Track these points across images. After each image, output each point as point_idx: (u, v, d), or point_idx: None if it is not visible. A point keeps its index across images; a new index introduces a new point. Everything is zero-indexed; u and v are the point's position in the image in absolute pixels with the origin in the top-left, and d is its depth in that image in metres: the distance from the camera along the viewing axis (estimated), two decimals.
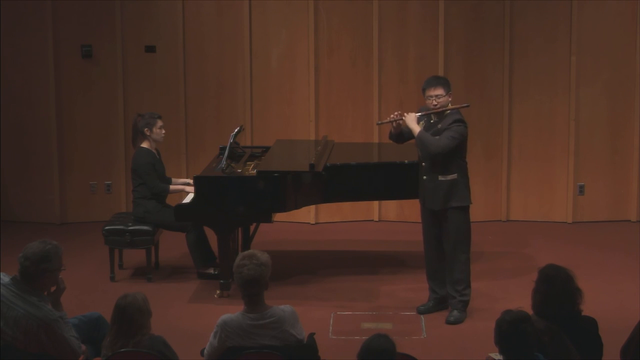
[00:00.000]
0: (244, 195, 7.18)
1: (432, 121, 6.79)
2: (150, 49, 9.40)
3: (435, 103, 6.74)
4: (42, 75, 9.36)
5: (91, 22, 9.32)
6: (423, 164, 6.81)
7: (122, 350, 4.70)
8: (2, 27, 9.25)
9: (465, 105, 6.92)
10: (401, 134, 6.95)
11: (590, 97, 9.33)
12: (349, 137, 9.37)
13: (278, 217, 7.96)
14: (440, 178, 6.72)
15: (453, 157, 6.72)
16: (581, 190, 9.44)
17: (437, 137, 6.66)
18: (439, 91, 6.74)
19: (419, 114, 6.81)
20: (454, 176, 6.73)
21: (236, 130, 7.90)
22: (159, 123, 7.78)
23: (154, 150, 7.82)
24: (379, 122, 7.23)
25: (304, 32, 9.34)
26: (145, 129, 7.74)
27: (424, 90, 6.80)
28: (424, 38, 9.30)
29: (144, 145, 7.78)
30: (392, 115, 6.91)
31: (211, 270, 7.68)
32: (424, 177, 6.80)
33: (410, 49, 9.33)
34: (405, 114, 6.83)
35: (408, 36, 9.32)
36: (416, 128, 6.72)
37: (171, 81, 9.45)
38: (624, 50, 9.26)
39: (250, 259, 4.84)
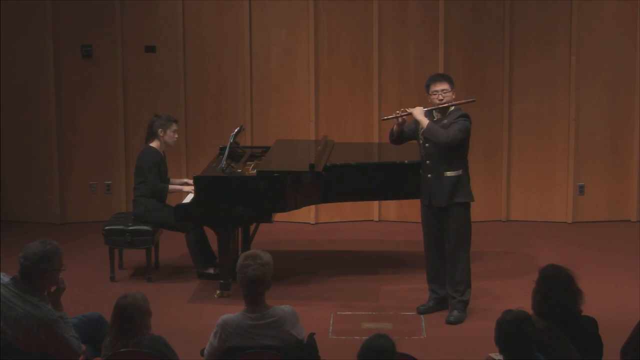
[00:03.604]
0: (244, 195, 7.18)
1: (435, 119, 6.77)
2: (150, 49, 9.40)
3: (441, 98, 6.73)
4: (42, 75, 9.36)
5: (91, 22, 9.32)
6: (427, 162, 6.80)
7: (122, 350, 4.70)
8: (2, 27, 9.25)
9: (472, 100, 6.92)
10: (401, 134, 6.95)
11: (590, 97, 9.33)
12: (349, 137, 9.37)
13: (278, 217, 7.95)
14: (447, 174, 6.72)
15: (458, 153, 6.72)
16: (581, 190, 9.44)
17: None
18: (445, 86, 6.73)
19: (426, 109, 6.80)
20: (459, 172, 6.73)
21: (236, 130, 7.90)
22: (174, 127, 7.83)
23: (161, 152, 7.84)
24: (384, 117, 7.18)
25: (304, 32, 9.34)
26: (160, 129, 7.78)
27: (428, 86, 6.78)
28: (424, 38, 9.30)
29: (154, 144, 7.80)
30: (397, 112, 6.90)
31: (211, 270, 7.68)
32: (429, 175, 6.80)
33: (410, 49, 9.33)
34: (409, 108, 6.82)
35: (408, 36, 9.32)
36: (425, 120, 6.70)
37: (171, 81, 9.45)
38: (624, 50, 9.26)
39: (254, 259, 4.85)
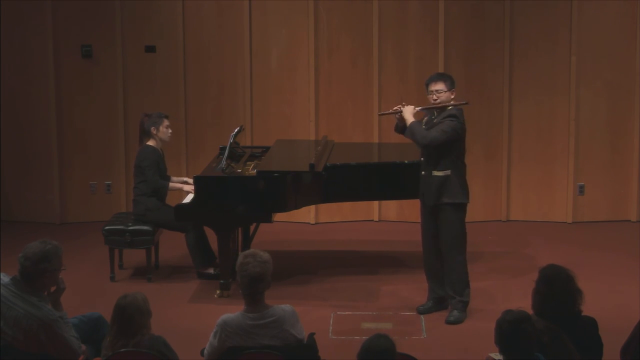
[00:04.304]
0: (244, 195, 7.18)
1: (433, 117, 6.79)
2: (150, 49, 9.40)
3: (436, 98, 6.73)
4: (42, 75, 9.36)
5: (91, 22, 9.33)
6: (422, 159, 6.83)
7: (122, 350, 4.70)
8: (2, 27, 9.25)
9: (464, 102, 6.92)
10: (406, 127, 6.96)
11: (590, 97, 9.33)
12: (349, 137, 9.37)
13: (278, 217, 7.95)
14: (435, 173, 6.72)
15: (446, 153, 6.69)
16: (581, 190, 9.44)
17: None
18: (440, 86, 6.73)
19: (420, 107, 6.81)
20: (447, 172, 6.70)
21: (236, 130, 7.90)
22: (166, 122, 7.82)
23: (159, 150, 7.84)
24: (381, 112, 7.22)
25: (304, 32, 9.34)
26: (152, 127, 7.77)
27: (426, 85, 6.81)
28: (424, 38, 9.30)
29: (150, 143, 7.80)
30: (395, 107, 6.92)
31: (211, 270, 7.69)
32: (423, 172, 6.82)
33: (410, 49, 9.33)
34: (402, 107, 6.86)
35: (408, 36, 9.32)
36: (410, 119, 6.74)
37: (171, 81, 9.45)
38: (624, 50, 9.26)
39: (254, 257, 4.85)
